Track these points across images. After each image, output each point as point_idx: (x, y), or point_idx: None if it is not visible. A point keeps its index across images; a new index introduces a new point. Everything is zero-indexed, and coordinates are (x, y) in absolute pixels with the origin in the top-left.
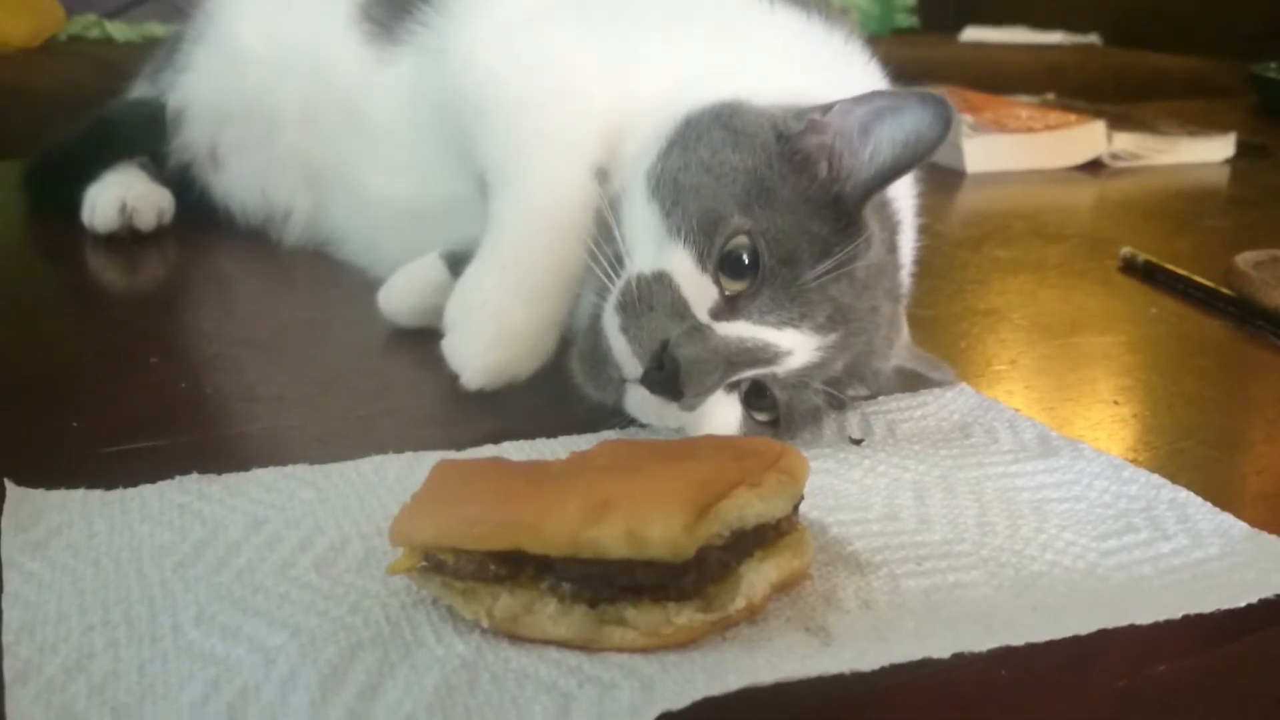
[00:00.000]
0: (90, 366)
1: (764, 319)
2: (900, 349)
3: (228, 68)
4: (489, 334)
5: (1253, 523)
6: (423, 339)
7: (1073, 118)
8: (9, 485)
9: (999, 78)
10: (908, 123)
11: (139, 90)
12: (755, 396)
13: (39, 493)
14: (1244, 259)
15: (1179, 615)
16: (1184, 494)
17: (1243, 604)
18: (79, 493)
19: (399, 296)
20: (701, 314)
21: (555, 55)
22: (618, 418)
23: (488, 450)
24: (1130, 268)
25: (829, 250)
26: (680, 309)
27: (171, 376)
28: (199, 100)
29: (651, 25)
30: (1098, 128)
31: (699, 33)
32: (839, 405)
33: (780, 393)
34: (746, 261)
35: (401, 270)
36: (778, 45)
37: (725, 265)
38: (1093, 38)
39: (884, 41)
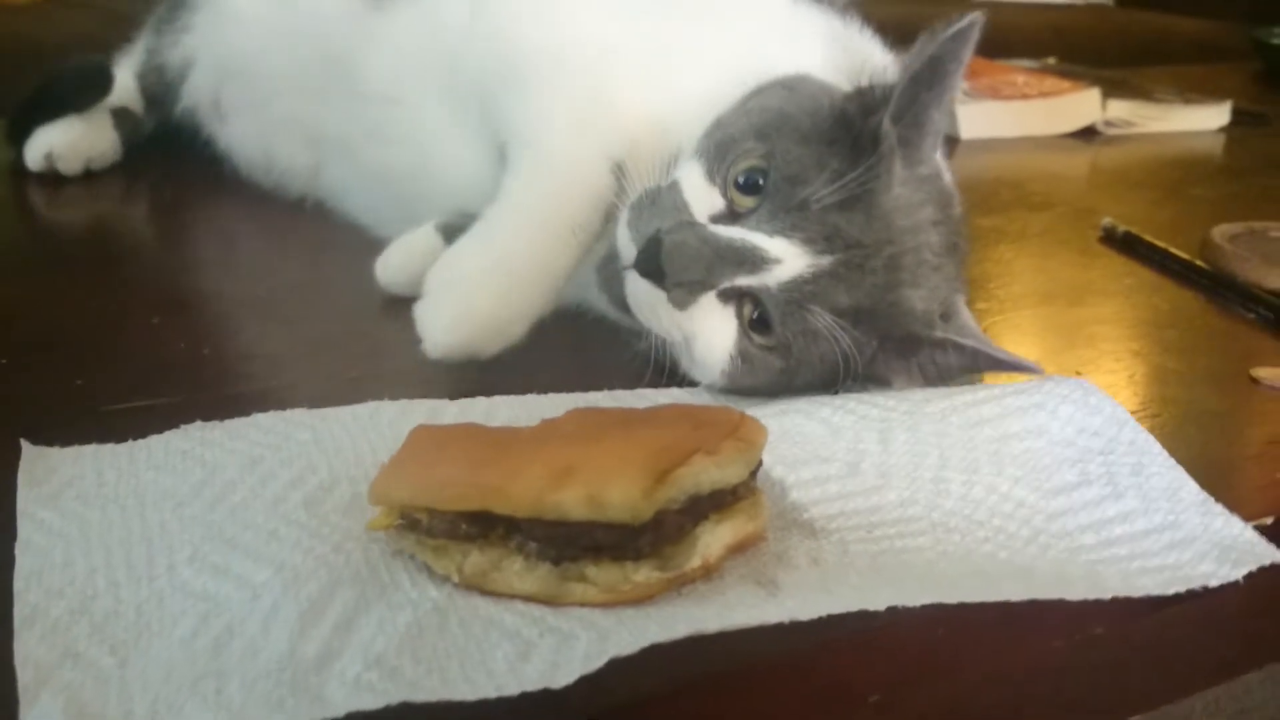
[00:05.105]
0: (93, 326)
1: (758, 227)
2: (968, 327)
3: (227, 27)
4: (456, 312)
5: (1209, 489)
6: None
7: (1067, 85)
8: (24, 444)
9: (1005, 39)
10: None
11: (145, 42)
12: (759, 322)
13: (53, 450)
14: (1220, 231)
15: (1108, 597)
16: (1143, 436)
17: (1170, 593)
18: (91, 447)
19: (395, 267)
20: (700, 217)
21: (588, 32)
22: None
23: (480, 401)
24: (1110, 238)
25: (840, 179)
26: (680, 207)
27: (171, 336)
28: (202, 52)
29: (685, 17)
30: (1092, 95)
31: (730, 30)
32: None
33: (774, 309)
34: (759, 182)
35: (398, 241)
36: (805, 41)
37: (737, 185)
38: None
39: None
